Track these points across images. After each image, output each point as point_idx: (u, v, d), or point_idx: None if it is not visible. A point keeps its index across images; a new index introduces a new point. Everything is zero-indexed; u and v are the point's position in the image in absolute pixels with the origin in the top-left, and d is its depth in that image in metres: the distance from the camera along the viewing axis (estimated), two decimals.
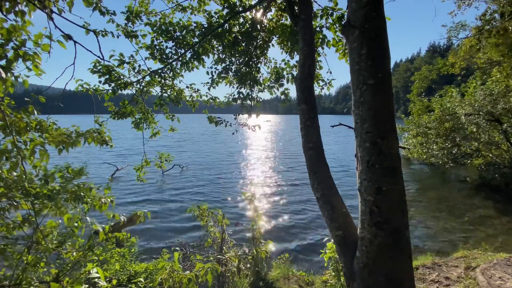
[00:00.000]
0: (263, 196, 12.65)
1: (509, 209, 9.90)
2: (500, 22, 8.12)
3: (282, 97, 5.01)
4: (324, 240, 4.85)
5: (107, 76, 4.23)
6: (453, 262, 5.08)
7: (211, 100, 5.44)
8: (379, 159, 1.83)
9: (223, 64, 4.68)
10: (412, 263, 1.90)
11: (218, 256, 4.29)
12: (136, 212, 3.80)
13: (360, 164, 1.94)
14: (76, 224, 2.61)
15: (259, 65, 4.80)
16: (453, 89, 15.15)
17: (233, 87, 4.94)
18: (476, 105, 13.00)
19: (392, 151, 1.84)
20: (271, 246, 5.00)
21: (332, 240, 2.45)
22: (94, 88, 4.33)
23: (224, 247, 4.65)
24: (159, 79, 4.88)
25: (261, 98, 5.09)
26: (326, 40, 4.27)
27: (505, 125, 12.45)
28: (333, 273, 4.51)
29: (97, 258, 2.85)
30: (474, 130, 13.25)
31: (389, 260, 1.82)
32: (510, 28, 7.90)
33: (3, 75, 2.08)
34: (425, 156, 15.05)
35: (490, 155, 12.91)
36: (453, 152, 13.75)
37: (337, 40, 4.20)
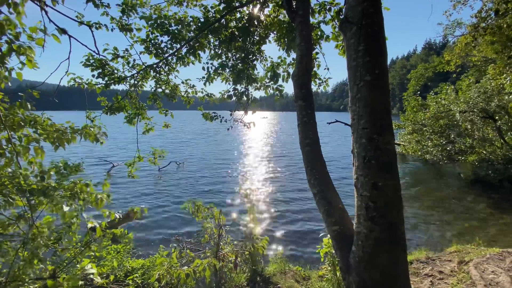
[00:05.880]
0: (260, 192, 12.70)
1: (502, 205, 10.09)
2: (495, 20, 8.18)
3: (277, 93, 4.99)
4: (321, 235, 4.91)
5: (100, 70, 4.19)
6: (446, 257, 5.18)
7: (207, 97, 5.41)
8: (375, 155, 1.85)
9: (219, 60, 4.65)
10: (407, 257, 1.94)
11: (216, 252, 4.31)
12: (132, 208, 3.79)
13: (357, 160, 1.96)
14: (72, 221, 2.60)
15: (255, 62, 4.78)
16: (447, 87, 15.30)
17: (229, 84, 4.92)
18: (470, 102, 13.16)
19: (388, 147, 1.87)
20: (268, 242, 5.03)
21: (329, 235, 2.48)
22: (87, 82, 4.27)
23: (221, 243, 4.67)
24: (154, 73, 4.84)
25: (257, 98, 5.09)
26: (324, 36, 4.26)
27: (499, 122, 12.63)
28: (329, 268, 4.57)
29: (93, 254, 2.85)
30: (469, 127, 13.42)
31: (384, 254, 1.85)
32: (505, 25, 7.96)
33: None
34: (420, 153, 15.23)
35: (484, 152, 13.10)
36: (448, 148, 13.92)
37: (337, 35, 4.18)
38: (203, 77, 4.84)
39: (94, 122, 4.30)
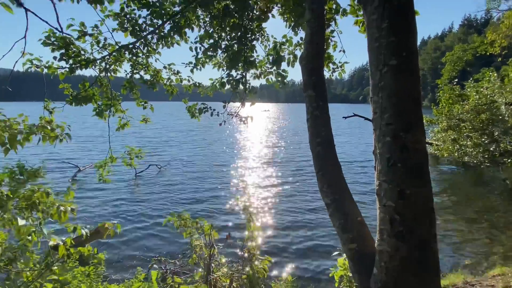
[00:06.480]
0: (260, 202, 12.72)
1: None
2: None
3: (279, 79, 4.95)
4: (334, 254, 4.92)
5: (64, 51, 4.16)
6: (488, 281, 5.21)
7: (194, 86, 5.40)
8: (402, 156, 1.85)
9: (211, 40, 4.65)
10: (440, 282, 1.95)
11: (206, 276, 4.33)
12: (103, 223, 3.79)
13: (379, 163, 1.97)
14: (29, 238, 2.60)
15: (254, 42, 4.77)
16: (491, 73, 15.33)
17: (222, 69, 4.92)
18: None
19: (418, 147, 1.87)
20: (271, 263, 5.05)
21: (344, 254, 2.49)
22: (47, 65, 4.24)
23: (212, 265, 4.68)
24: (130, 56, 4.84)
25: (256, 87, 5.08)
26: (340, 9, 4.25)
27: None
28: None
29: (56, 278, 2.85)
30: None
31: (412, 279, 1.86)
32: None
33: None
34: (456, 154, 15.27)
35: None
36: (491, 149, 13.95)
37: (356, 9, 4.17)
38: (190, 62, 4.82)
39: (53, 114, 4.25)
